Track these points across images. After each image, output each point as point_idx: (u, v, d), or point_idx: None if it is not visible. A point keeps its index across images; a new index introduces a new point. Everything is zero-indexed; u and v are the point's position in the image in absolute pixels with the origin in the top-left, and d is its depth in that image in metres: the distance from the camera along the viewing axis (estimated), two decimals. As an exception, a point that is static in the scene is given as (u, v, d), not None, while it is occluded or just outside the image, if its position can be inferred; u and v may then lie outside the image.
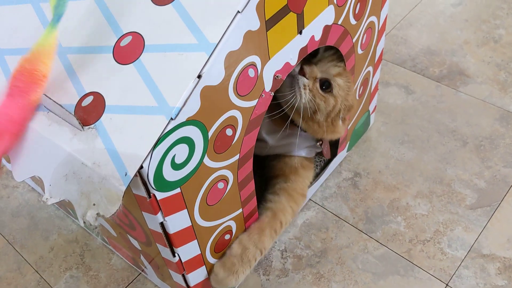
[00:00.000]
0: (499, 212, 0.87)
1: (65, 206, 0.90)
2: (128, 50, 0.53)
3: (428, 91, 1.07)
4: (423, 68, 1.12)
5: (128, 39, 0.53)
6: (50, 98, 0.53)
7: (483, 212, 0.87)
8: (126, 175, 0.48)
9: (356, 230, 0.87)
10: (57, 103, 0.53)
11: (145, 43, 0.52)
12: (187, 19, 0.52)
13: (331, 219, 0.89)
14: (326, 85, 0.73)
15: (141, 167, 0.48)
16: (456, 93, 1.06)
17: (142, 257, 0.74)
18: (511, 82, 1.07)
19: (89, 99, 0.53)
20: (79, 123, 0.51)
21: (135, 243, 0.70)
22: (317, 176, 0.90)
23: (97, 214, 0.50)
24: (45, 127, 0.54)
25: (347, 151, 0.96)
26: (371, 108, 0.96)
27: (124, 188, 0.48)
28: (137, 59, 0.52)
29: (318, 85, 0.72)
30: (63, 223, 0.93)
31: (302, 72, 0.70)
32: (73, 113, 0.52)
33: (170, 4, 0.53)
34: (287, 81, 0.69)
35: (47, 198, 0.53)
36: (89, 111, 0.52)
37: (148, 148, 0.48)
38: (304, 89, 0.70)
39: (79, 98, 0.53)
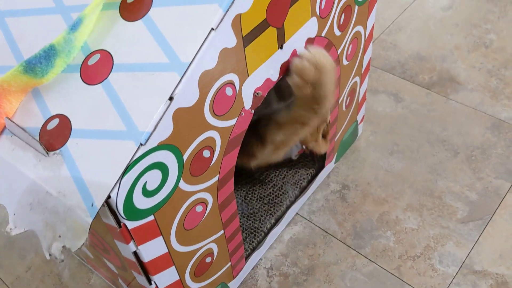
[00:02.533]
0: (491, 226, 0.84)
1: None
2: (96, 69, 0.50)
3: (418, 99, 1.05)
4: (412, 75, 1.09)
5: (96, 58, 0.50)
6: (13, 122, 0.50)
7: (475, 226, 0.84)
8: (92, 206, 0.45)
9: (344, 245, 0.84)
10: (20, 126, 0.49)
11: (114, 62, 0.49)
12: (158, 37, 0.48)
13: (319, 234, 0.86)
14: None
15: (109, 196, 0.45)
16: (447, 101, 1.03)
17: (120, 280, 0.71)
18: (503, 89, 1.04)
19: (55, 122, 0.49)
20: (44, 149, 0.48)
21: (111, 266, 0.67)
22: (304, 189, 0.87)
23: (63, 247, 0.46)
24: (8, 152, 0.50)
25: (334, 163, 0.93)
26: (359, 118, 0.93)
27: (90, 220, 0.45)
28: (105, 79, 0.49)
29: None
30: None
31: None
32: (37, 138, 0.49)
33: (140, 20, 0.50)
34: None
35: (10, 229, 0.49)
36: (55, 135, 0.49)
37: (116, 177, 0.45)
38: None
39: (44, 121, 0.50)
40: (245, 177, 0.89)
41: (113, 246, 0.56)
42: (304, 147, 0.82)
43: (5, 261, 0.87)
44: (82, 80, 0.50)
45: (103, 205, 0.45)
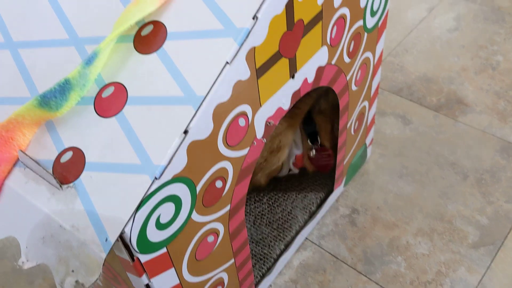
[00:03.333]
0: (503, 251, 0.83)
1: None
2: (110, 102, 0.50)
3: (426, 121, 1.04)
4: (420, 97, 1.09)
5: (110, 90, 0.50)
6: (26, 155, 0.50)
7: (486, 251, 0.84)
8: (106, 240, 0.45)
9: (354, 271, 0.83)
10: (33, 159, 0.49)
11: (128, 95, 0.49)
12: (172, 70, 0.48)
13: (329, 260, 0.85)
14: None
15: (123, 231, 0.45)
16: (455, 123, 1.03)
17: (129, 308, 0.70)
18: (511, 110, 1.04)
19: (68, 154, 0.49)
20: (57, 182, 0.48)
21: (121, 296, 0.66)
22: (313, 214, 0.86)
23: (76, 282, 0.46)
24: (21, 185, 0.50)
25: (344, 186, 0.92)
26: (367, 141, 0.93)
27: (104, 255, 0.44)
28: (120, 112, 0.49)
29: None
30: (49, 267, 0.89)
31: None
32: (51, 171, 0.49)
33: (155, 53, 0.50)
34: None
35: (23, 262, 0.49)
36: (68, 168, 0.48)
37: (130, 211, 0.45)
38: None
39: (57, 154, 0.49)
40: (253, 201, 0.88)
41: (125, 278, 0.55)
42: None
43: (14, 286, 0.87)
44: (96, 112, 0.50)
45: (117, 240, 0.45)
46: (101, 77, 0.51)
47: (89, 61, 0.49)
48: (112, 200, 0.46)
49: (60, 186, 0.48)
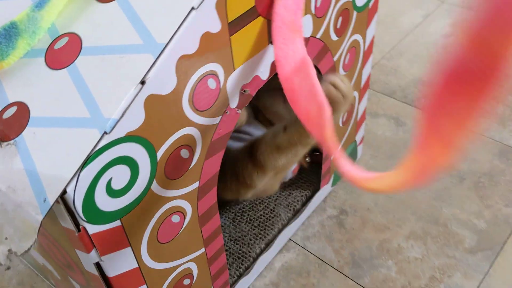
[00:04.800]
0: (502, 256, 0.77)
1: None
2: (63, 53, 0.44)
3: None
4: (414, 99, 1.04)
5: (64, 41, 0.45)
6: (-36, 109, 0.44)
7: (484, 256, 0.77)
8: (45, 201, 0.39)
9: (341, 275, 0.76)
10: (-28, 114, 0.43)
11: (83, 45, 0.44)
12: (133, 17, 0.43)
13: (313, 262, 0.78)
14: None
15: (65, 191, 0.39)
16: (451, 125, 0.98)
17: (89, 305, 0.63)
18: (510, 115, 0.99)
19: (12, 110, 0.43)
20: (-4, 138, 0.42)
21: (77, 286, 0.59)
22: (297, 212, 0.80)
23: (9, 250, 0.40)
24: (-42, 144, 0.44)
25: (332, 186, 0.86)
26: (357, 138, 0.87)
27: (41, 217, 0.38)
28: (72, 63, 0.43)
29: None
30: (10, 263, 0.82)
31: None
32: (-9, 127, 0.43)
33: (115, 1, 0.45)
34: None
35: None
36: (11, 124, 0.43)
37: (74, 169, 0.39)
38: None
39: (0, 110, 0.44)
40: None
41: (76, 260, 0.49)
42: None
43: (-31, 285, 0.79)
44: (47, 65, 0.44)
45: (57, 201, 0.39)
46: (55, 28, 0.46)
47: (40, 4, 0.44)
48: (55, 158, 0.40)
49: (0, 143, 0.42)
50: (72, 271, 0.55)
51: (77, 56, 0.44)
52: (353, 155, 0.89)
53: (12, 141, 0.42)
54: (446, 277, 0.75)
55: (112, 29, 0.44)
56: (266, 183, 0.68)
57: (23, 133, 0.42)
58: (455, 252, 0.78)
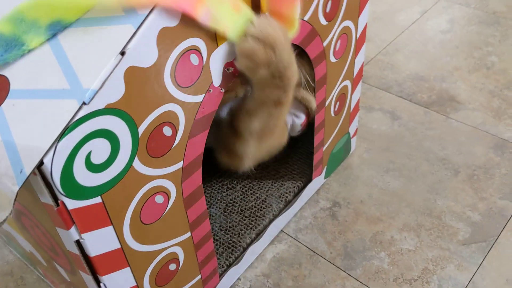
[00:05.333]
0: (496, 248, 0.76)
1: (4, 234, 0.78)
2: (44, 27, 0.44)
3: (416, 117, 0.98)
4: (410, 94, 1.03)
5: (45, 15, 0.44)
6: None
7: (478, 248, 0.76)
8: (21, 172, 0.38)
9: (333, 266, 0.75)
10: (-48, 87, 0.43)
11: (64, 18, 0.43)
12: (114, -10, 0.43)
13: (305, 254, 0.77)
14: None
15: (42, 163, 0.38)
16: (447, 119, 0.97)
17: (75, 291, 0.62)
18: (506, 109, 0.98)
19: (-8, 83, 0.43)
20: (-24, 111, 0.41)
21: (62, 272, 0.58)
22: (289, 203, 0.79)
23: (-16, 223, 0.39)
24: None
25: (324, 178, 0.86)
26: (351, 130, 0.86)
27: (17, 188, 0.38)
28: (53, 36, 0.43)
29: None
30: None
31: None
32: (-30, 100, 0.42)
33: (97, -25, 0.44)
34: None
35: None
36: (-10, 97, 0.42)
37: (51, 139, 0.38)
38: None
39: (-21, 83, 0.43)
40: (225, 189, 0.81)
41: (58, 240, 0.48)
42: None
43: (-42, 275, 0.79)
44: (28, 38, 0.44)
45: (34, 173, 0.38)
46: (37, 2, 0.45)
47: None
48: (33, 129, 0.40)
49: (-21, 116, 0.42)
50: (56, 254, 0.54)
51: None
52: (347, 146, 0.88)
53: (-10, 114, 0.41)
54: (439, 269, 0.74)
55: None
56: (258, 150, 0.65)
57: (2, 105, 0.42)
58: (449, 244, 0.77)
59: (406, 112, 0.99)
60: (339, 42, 0.68)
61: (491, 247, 0.76)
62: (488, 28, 1.19)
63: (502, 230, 0.78)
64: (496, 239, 0.77)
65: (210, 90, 0.50)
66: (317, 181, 0.83)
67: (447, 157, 0.90)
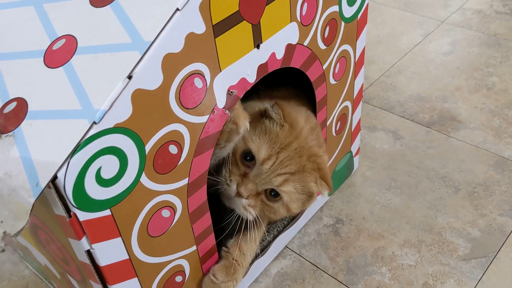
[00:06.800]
0: (496, 264, 0.77)
1: (21, 248, 0.82)
2: (60, 53, 0.48)
3: (417, 136, 1.01)
4: (412, 114, 1.06)
5: (61, 42, 0.49)
6: (-31, 105, 0.48)
7: (478, 263, 0.78)
8: (37, 185, 0.42)
9: (335, 281, 0.78)
10: (-24, 109, 0.47)
11: (78, 45, 0.48)
12: (123, 19, 0.47)
13: (309, 269, 0.80)
14: (274, 193, 0.65)
15: (56, 177, 0.42)
16: (447, 138, 1.00)
17: (86, 303, 0.65)
18: (506, 128, 1.00)
19: (12, 105, 0.47)
20: (-4, 131, 0.45)
21: (75, 283, 0.62)
22: (293, 220, 0.82)
23: (4, 233, 0.43)
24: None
25: (328, 195, 0.88)
26: (353, 149, 0.89)
27: (33, 200, 0.41)
28: (67, 62, 0.47)
29: (264, 196, 0.65)
30: (15, 268, 0.85)
31: (238, 194, 0.64)
32: (-8, 121, 0.46)
33: (108, 6, 0.49)
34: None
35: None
36: (10, 118, 0.46)
37: (64, 155, 0.42)
38: (246, 210, 0.64)
39: (2, 105, 0.47)
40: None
41: (70, 250, 0.52)
42: None
43: (-25, 289, 0.82)
44: (45, 64, 0.48)
45: (48, 186, 0.42)
46: (54, 31, 0.50)
47: None
48: (48, 146, 0.43)
49: (0, 135, 0.45)
50: (68, 265, 0.57)
51: (73, 55, 0.47)
52: (349, 165, 0.91)
53: (11, 133, 0.45)
54: (439, 284, 0.75)
55: (105, 30, 0.47)
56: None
57: (21, 125, 0.45)
58: (449, 260, 0.79)
59: (408, 132, 1.02)
60: (338, 65, 0.72)
61: (490, 263, 0.78)
62: (489, 50, 1.22)
63: (502, 246, 0.80)
64: (496, 255, 0.78)
65: (214, 112, 0.53)
66: (321, 199, 0.86)
67: (448, 175, 0.92)
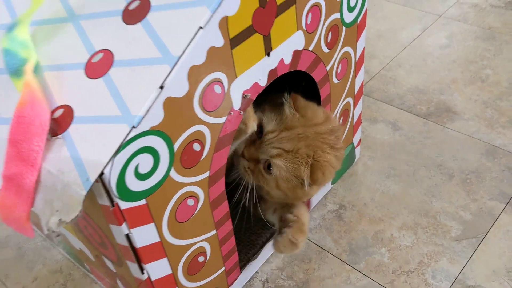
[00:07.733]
0: (485, 244, 0.85)
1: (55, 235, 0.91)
2: (99, 66, 0.56)
3: (415, 127, 1.08)
4: (410, 106, 1.14)
5: (99, 56, 0.56)
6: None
7: (469, 244, 0.86)
8: (87, 180, 0.50)
9: (339, 261, 0.86)
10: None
11: (114, 59, 0.55)
12: (153, 36, 0.54)
13: (314, 250, 0.88)
14: (270, 166, 0.72)
15: (102, 173, 0.50)
16: (443, 129, 1.07)
17: (118, 282, 0.74)
18: (498, 118, 1.08)
19: (60, 111, 0.55)
20: (49, 135, 0.53)
21: (109, 264, 0.70)
22: (300, 206, 0.90)
23: (59, 220, 0.51)
24: (17, 139, 0.56)
25: (332, 184, 0.96)
26: (355, 141, 0.97)
27: (84, 192, 0.49)
28: (106, 73, 0.55)
29: (261, 166, 0.73)
30: (49, 253, 0.93)
31: (242, 154, 0.73)
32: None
33: (139, 23, 0.56)
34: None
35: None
36: (59, 123, 0.54)
37: (109, 155, 0.50)
38: (245, 171, 0.73)
39: (50, 111, 0.55)
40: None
41: (109, 235, 0.60)
42: None
43: (13, 272, 0.91)
44: (86, 75, 0.56)
45: (97, 181, 0.50)
46: (92, 45, 0.57)
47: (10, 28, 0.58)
48: (94, 146, 0.51)
49: (50, 137, 0.53)
50: (105, 248, 0.66)
51: (110, 68, 0.55)
52: (351, 156, 0.98)
53: (60, 135, 0.53)
54: (433, 262, 0.84)
55: (138, 45, 0.55)
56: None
57: (69, 129, 0.53)
58: (443, 241, 0.87)
59: (407, 123, 1.10)
60: (340, 65, 0.79)
61: (480, 243, 0.85)
62: (484, 43, 1.29)
63: (491, 228, 0.88)
64: (485, 235, 0.86)
65: (231, 113, 0.61)
66: (325, 187, 0.94)
67: (443, 163, 1.00)
